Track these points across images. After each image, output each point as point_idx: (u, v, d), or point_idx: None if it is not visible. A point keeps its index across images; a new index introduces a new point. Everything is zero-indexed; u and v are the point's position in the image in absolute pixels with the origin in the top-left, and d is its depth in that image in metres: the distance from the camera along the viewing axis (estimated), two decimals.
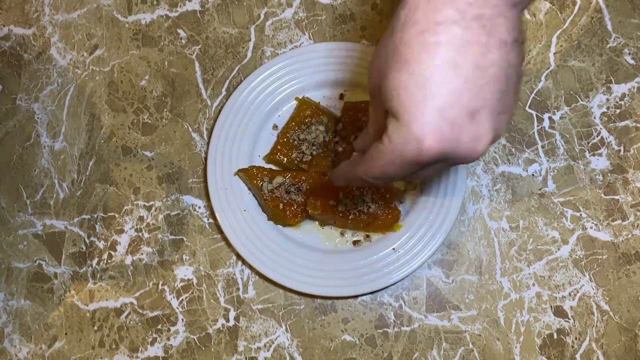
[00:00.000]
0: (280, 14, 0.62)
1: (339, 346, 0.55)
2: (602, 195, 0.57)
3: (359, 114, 0.56)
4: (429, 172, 0.38)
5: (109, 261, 0.58)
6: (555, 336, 0.54)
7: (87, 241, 0.58)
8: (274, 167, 0.58)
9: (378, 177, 0.38)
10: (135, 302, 0.57)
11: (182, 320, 0.56)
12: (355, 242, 0.56)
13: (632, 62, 0.59)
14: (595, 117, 0.58)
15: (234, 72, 0.61)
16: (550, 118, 0.58)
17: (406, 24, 0.34)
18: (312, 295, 0.56)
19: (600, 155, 0.57)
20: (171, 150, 0.60)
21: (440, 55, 0.32)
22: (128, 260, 0.58)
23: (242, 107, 0.58)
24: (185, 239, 0.58)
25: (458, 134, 0.34)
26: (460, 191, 0.54)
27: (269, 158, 0.58)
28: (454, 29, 0.32)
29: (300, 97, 0.58)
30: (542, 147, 0.58)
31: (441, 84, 0.33)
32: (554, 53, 0.59)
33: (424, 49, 0.33)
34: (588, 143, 0.58)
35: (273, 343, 0.55)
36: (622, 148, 0.57)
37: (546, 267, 0.55)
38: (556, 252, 0.56)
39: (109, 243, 0.58)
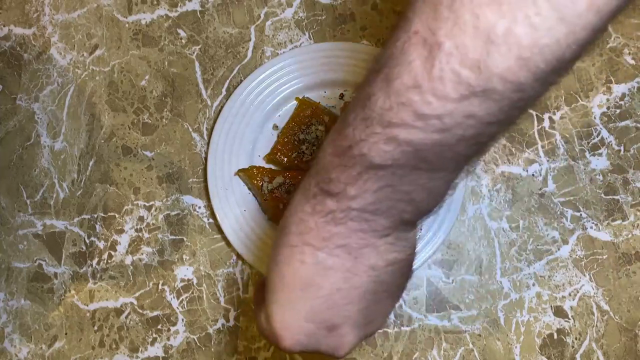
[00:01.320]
0: (280, 14, 0.62)
1: None
2: (602, 195, 0.57)
3: None
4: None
5: (109, 261, 0.58)
6: (555, 336, 0.54)
7: (87, 241, 0.58)
8: (274, 167, 0.58)
9: (261, 334, 0.39)
10: (135, 302, 0.57)
11: (182, 320, 0.56)
12: None
13: (632, 62, 0.59)
14: (595, 117, 0.58)
15: (234, 72, 0.61)
16: (550, 118, 0.58)
17: (283, 231, 0.35)
18: None
19: (600, 155, 0.57)
20: (171, 150, 0.60)
21: (303, 272, 0.33)
22: (128, 260, 0.58)
23: (242, 107, 0.58)
24: (185, 239, 0.58)
25: (316, 342, 0.35)
26: (460, 191, 0.54)
27: (269, 158, 0.58)
28: (318, 254, 0.33)
29: (300, 97, 0.58)
30: (542, 147, 0.58)
31: (300, 299, 0.34)
32: None
33: (291, 262, 0.34)
34: (588, 143, 0.58)
35: None
36: (622, 148, 0.57)
37: (546, 267, 0.55)
38: (556, 252, 0.56)
39: (109, 243, 0.58)
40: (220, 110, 0.58)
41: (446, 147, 0.28)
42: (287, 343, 0.35)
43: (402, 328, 0.55)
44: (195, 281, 0.57)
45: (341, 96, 0.59)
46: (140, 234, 0.58)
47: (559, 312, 0.55)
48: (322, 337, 0.35)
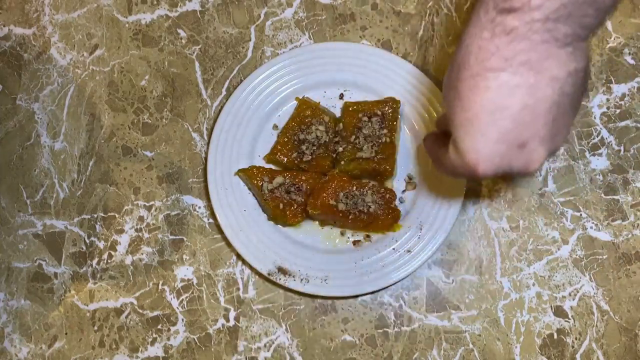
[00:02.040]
0: (280, 14, 0.62)
1: (339, 346, 0.55)
2: (602, 195, 0.57)
3: (359, 114, 0.56)
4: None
5: (109, 261, 0.58)
6: (555, 336, 0.54)
7: (87, 241, 0.58)
8: (274, 167, 0.58)
9: (450, 175, 0.42)
10: (135, 302, 0.57)
11: (182, 320, 0.56)
12: (355, 242, 0.56)
13: (632, 62, 0.59)
14: (595, 117, 0.58)
15: (234, 72, 0.61)
16: None
17: (461, 66, 0.36)
18: (312, 295, 0.56)
19: (600, 155, 0.57)
20: (171, 150, 0.60)
21: (489, 97, 0.35)
22: (128, 260, 0.58)
23: (242, 107, 0.58)
24: (185, 239, 0.58)
25: (509, 162, 0.37)
26: (460, 191, 0.54)
27: (269, 158, 0.58)
28: (502, 75, 0.34)
29: (300, 97, 0.58)
30: None
31: (489, 123, 0.36)
32: None
33: (475, 91, 0.35)
34: (588, 143, 0.58)
35: (273, 343, 0.55)
36: (622, 148, 0.57)
37: (546, 267, 0.55)
38: (556, 252, 0.56)
39: (109, 243, 0.58)
40: (220, 110, 0.58)
41: None
42: (482, 167, 0.37)
43: (402, 328, 0.55)
44: (195, 281, 0.57)
45: (341, 96, 0.59)
46: (140, 234, 0.58)
47: (559, 312, 0.55)
48: (514, 155, 0.37)
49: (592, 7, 0.33)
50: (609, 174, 0.57)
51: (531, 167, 0.38)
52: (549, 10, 0.32)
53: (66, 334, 0.57)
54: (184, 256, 0.57)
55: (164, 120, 0.60)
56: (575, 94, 0.36)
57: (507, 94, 0.35)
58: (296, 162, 0.56)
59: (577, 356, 0.54)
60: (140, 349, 0.56)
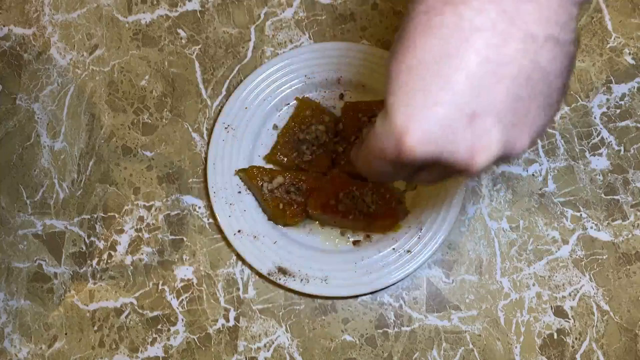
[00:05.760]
0: (280, 14, 0.62)
1: (339, 346, 0.55)
2: (602, 195, 0.57)
3: (359, 114, 0.56)
4: (426, 176, 0.31)
5: (109, 261, 0.58)
6: (555, 336, 0.54)
7: (87, 241, 0.58)
8: (274, 167, 0.58)
9: (366, 170, 0.31)
10: (135, 302, 0.57)
11: (182, 320, 0.56)
12: (355, 242, 0.56)
13: (632, 62, 0.59)
14: (595, 117, 0.58)
15: (234, 72, 0.61)
16: None
17: (414, 3, 0.27)
18: (312, 295, 0.56)
19: (600, 155, 0.57)
20: (171, 150, 0.60)
21: (441, 39, 0.26)
22: (128, 260, 0.58)
23: (242, 107, 0.58)
24: (185, 239, 0.58)
25: (449, 138, 0.27)
26: (460, 191, 0.54)
27: (269, 158, 0.58)
28: (463, 10, 0.25)
29: (300, 97, 0.58)
30: (542, 147, 0.58)
31: (436, 76, 0.26)
32: None
33: (425, 30, 0.26)
34: (588, 143, 0.58)
35: (273, 343, 0.55)
36: (622, 148, 0.57)
37: (546, 267, 0.55)
38: (556, 252, 0.56)
39: (109, 243, 0.58)
40: (220, 110, 0.58)
41: None
42: (413, 137, 0.26)
43: (402, 328, 0.55)
44: (195, 281, 0.57)
45: (341, 96, 0.59)
46: (140, 234, 0.58)
47: (559, 312, 0.55)
48: (460, 130, 0.26)
49: None
50: (609, 174, 0.57)
51: (477, 156, 0.27)
52: None
53: (66, 334, 0.57)
54: (184, 256, 0.57)
55: (164, 120, 0.60)
56: (552, 76, 0.27)
57: (465, 38, 0.25)
58: (296, 162, 0.56)
59: (577, 356, 0.54)
60: (140, 349, 0.56)
